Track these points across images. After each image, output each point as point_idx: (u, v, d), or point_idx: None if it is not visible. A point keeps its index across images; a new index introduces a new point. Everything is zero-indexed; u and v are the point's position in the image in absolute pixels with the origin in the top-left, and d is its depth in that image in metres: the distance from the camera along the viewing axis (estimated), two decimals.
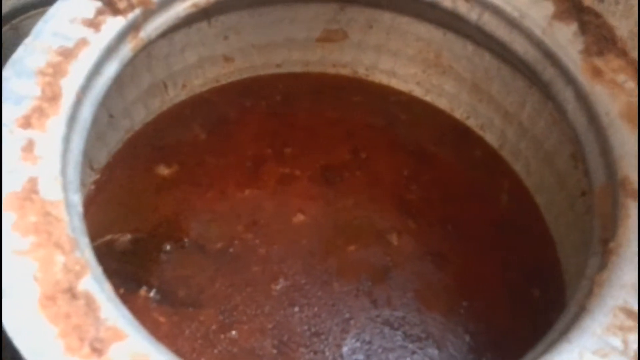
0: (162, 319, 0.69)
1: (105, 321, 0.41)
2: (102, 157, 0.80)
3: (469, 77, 0.92)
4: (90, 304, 0.41)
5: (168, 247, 0.75)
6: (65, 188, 0.48)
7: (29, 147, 0.48)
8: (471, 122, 0.95)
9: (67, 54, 0.56)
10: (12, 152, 0.48)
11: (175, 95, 0.89)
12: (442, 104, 0.98)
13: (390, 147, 0.93)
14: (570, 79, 0.63)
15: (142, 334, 0.42)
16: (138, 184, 0.80)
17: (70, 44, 0.56)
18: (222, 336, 0.68)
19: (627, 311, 0.45)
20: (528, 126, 0.86)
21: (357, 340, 0.69)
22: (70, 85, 0.54)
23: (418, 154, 0.92)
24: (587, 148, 0.61)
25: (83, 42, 0.57)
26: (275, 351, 0.68)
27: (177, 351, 0.64)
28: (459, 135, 0.96)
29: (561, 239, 0.82)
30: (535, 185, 0.87)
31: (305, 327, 0.70)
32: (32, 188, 0.46)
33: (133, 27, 0.62)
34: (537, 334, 0.53)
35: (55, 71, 0.54)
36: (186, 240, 0.76)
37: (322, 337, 0.69)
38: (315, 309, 0.71)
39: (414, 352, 0.70)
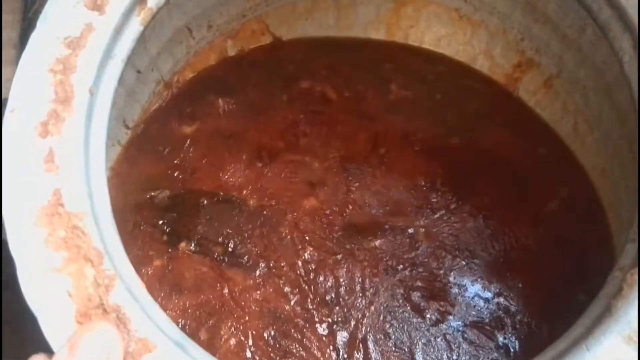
0: (204, 269, 0.73)
1: (135, 333, 0.44)
2: (136, 114, 0.81)
3: None
4: (120, 317, 0.45)
5: (205, 202, 0.77)
6: (90, 195, 0.50)
7: (50, 157, 0.50)
8: (525, 45, 0.86)
9: (75, 45, 0.54)
10: (35, 164, 0.49)
11: (202, 38, 0.85)
12: (494, 23, 0.88)
13: None
14: (628, 25, 0.54)
15: (171, 340, 0.45)
16: (172, 139, 0.81)
17: (76, 33, 0.54)
18: (247, 295, 0.71)
19: None
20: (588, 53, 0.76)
21: (379, 316, 0.70)
22: (81, 81, 0.53)
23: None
24: None
25: (89, 28, 0.55)
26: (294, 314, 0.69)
27: (205, 303, 0.70)
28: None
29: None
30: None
31: (328, 298, 0.71)
32: (57, 201, 0.48)
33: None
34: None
35: (65, 67, 0.53)
36: (221, 194, 0.78)
37: (345, 309, 0.70)
38: (341, 280, 0.73)
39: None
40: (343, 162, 0.80)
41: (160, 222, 0.76)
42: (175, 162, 0.80)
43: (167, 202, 0.78)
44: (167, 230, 0.76)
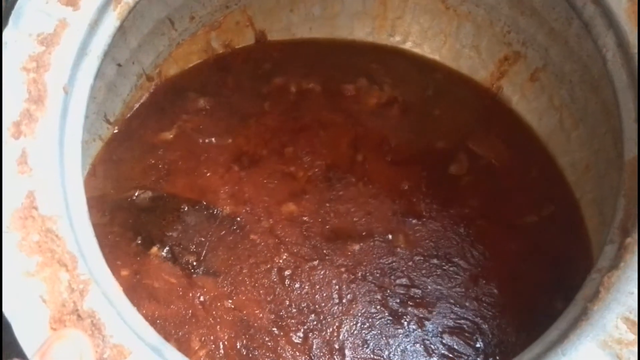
0: (172, 280, 0.71)
1: (110, 339, 0.44)
2: (117, 108, 0.80)
3: None
4: (95, 323, 0.44)
5: (186, 208, 0.76)
6: (65, 197, 0.49)
7: (23, 158, 0.49)
8: (512, 38, 0.85)
9: (49, 42, 0.53)
10: (9, 166, 0.48)
11: (184, 29, 0.84)
12: (480, 15, 0.86)
13: None
14: (612, 22, 0.53)
15: (147, 345, 0.45)
16: (154, 137, 0.80)
17: (50, 29, 0.53)
18: (218, 304, 0.69)
19: (629, 322, 0.43)
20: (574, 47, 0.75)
21: (357, 323, 0.69)
22: (55, 79, 0.52)
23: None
24: (623, 108, 0.53)
25: (63, 24, 0.53)
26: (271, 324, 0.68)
27: (175, 313, 0.68)
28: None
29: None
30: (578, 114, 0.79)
31: (304, 305, 0.70)
32: (31, 204, 0.47)
33: None
34: None
35: (39, 65, 0.52)
36: (204, 203, 0.76)
37: (321, 316, 0.69)
38: (317, 287, 0.71)
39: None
40: (327, 171, 0.79)
41: (136, 223, 0.74)
42: (152, 162, 0.78)
43: (148, 203, 0.77)
44: (142, 233, 0.73)
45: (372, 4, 0.92)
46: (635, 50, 0.51)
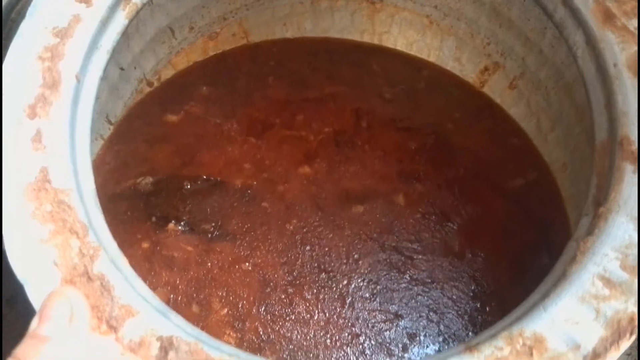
0: (190, 248, 0.76)
1: (118, 300, 0.46)
2: (119, 110, 0.83)
3: (488, 1, 0.86)
4: (104, 284, 0.47)
5: (188, 185, 0.80)
6: (75, 173, 0.52)
7: (37, 137, 0.52)
8: (491, 49, 0.91)
9: (63, 34, 0.56)
10: (24, 143, 0.51)
11: (183, 38, 0.88)
12: (462, 29, 0.93)
13: None
14: (580, 22, 0.59)
15: (152, 306, 0.47)
16: (152, 131, 0.83)
17: (64, 23, 0.57)
18: (237, 267, 0.74)
19: (605, 280, 0.47)
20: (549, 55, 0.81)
21: (364, 279, 0.74)
22: (68, 68, 0.55)
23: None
24: (593, 98, 0.58)
25: (76, 19, 0.58)
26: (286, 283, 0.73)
27: (196, 278, 0.72)
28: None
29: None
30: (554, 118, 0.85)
31: (315, 265, 0.75)
32: (44, 177, 0.50)
33: None
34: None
35: (53, 55, 0.55)
36: (204, 177, 0.80)
37: (331, 274, 0.74)
38: (326, 249, 0.76)
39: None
40: (335, 136, 0.85)
41: (146, 206, 0.78)
42: (172, 149, 0.83)
43: (151, 187, 0.80)
44: (155, 213, 0.77)
45: (360, 19, 0.98)
46: (602, 45, 0.57)
